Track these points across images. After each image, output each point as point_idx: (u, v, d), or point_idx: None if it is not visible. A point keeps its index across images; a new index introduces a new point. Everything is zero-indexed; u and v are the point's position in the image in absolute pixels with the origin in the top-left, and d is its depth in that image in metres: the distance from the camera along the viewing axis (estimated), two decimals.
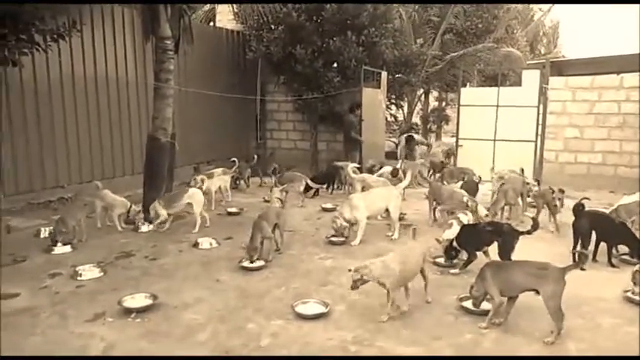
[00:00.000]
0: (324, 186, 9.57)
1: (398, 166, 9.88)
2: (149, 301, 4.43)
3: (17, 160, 7.93)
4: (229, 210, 8.17)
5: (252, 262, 5.41)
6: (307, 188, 8.91)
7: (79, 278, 5.10)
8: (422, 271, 4.47)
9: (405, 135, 12.78)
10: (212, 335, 3.93)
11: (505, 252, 4.95)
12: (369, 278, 4.06)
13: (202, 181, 7.77)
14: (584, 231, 5.47)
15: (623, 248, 5.59)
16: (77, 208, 6.86)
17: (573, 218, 5.73)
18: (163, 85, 7.59)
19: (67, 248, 6.05)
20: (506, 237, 5.03)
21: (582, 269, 4.82)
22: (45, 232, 6.66)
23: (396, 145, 13.34)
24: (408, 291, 4.36)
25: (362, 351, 3.70)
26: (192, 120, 10.87)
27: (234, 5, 11.03)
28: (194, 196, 7.04)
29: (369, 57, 11.06)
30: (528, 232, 5.04)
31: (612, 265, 5.42)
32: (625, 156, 10.06)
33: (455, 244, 5.28)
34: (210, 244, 6.32)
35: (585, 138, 10.35)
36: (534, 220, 5.28)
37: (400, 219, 7.14)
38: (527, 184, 7.82)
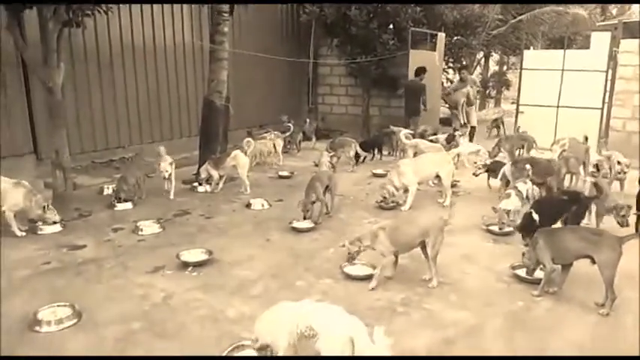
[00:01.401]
0: (371, 154, 9.48)
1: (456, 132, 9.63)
2: (205, 256, 4.63)
3: (81, 121, 8.32)
4: (280, 173, 8.30)
5: (305, 218, 5.57)
6: (357, 156, 8.87)
7: (139, 233, 5.40)
8: (424, 246, 4.16)
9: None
10: (264, 290, 4.08)
11: (577, 220, 4.78)
12: (363, 247, 4.11)
13: (248, 143, 7.89)
14: None
15: None
16: (138, 167, 7.19)
17: (639, 189, 5.43)
18: (218, 48, 7.67)
19: (129, 205, 6.38)
20: (582, 204, 4.86)
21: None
22: (108, 190, 7.04)
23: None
24: (396, 261, 4.27)
25: (410, 312, 3.73)
26: (246, 84, 10.97)
27: None
28: (237, 158, 7.18)
29: (427, 18, 10.67)
30: (596, 197, 4.90)
31: None
32: None
33: (535, 216, 4.74)
34: (262, 205, 6.48)
35: None
36: (597, 185, 5.15)
37: (453, 186, 7.01)
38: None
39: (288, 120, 10.17)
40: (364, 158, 9.20)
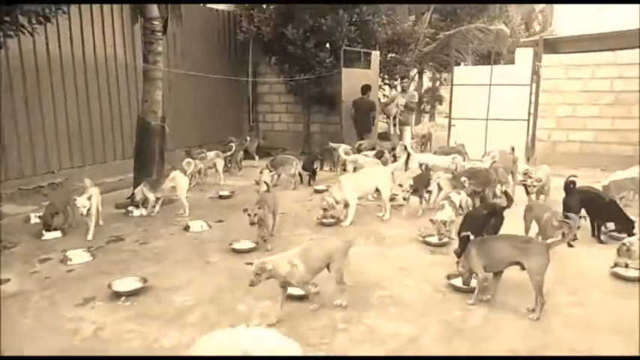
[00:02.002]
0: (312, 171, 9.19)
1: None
2: (139, 285, 4.43)
3: (7, 146, 7.84)
4: (221, 193, 8.16)
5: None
6: (313, 173, 8.90)
7: (68, 263, 5.10)
8: (330, 267, 4.00)
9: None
10: (202, 316, 3.95)
11: (496, 230, 4.97)
12: (273, 275, 3.73)
13: (188, 164, 7.73)
14: (574, 208, 5.48)
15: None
16: (67, 193, 6.82)
17: (564, 195, 5.76)
18: (152, 67, 7.50)
19: (58, 234, 6.04)
20: (499, 216, 5.05)
21: (570, 245, 4.87)
22: (35, 218, 6.64)
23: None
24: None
25: (350, 328, 3.73)
26: (183, 103, 10.78)
27: None
28: (176, 179, 7.00)
29: (362, 36, 10.95)
30: (507, 207, 5.09)
31: (601, 242, 5.45)
32: (617, 133, 10.06)
33: (468, 234, 4.67)
34: (202, 227, 6.32)
35: (578, 116, 10.34)
36: (507, 194, 5.41)
37: (391, 199, 7.15)
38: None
39: (232, 141, 10.11)
40: (314, 175, 8.99)
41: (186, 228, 6.30)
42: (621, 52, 10.20)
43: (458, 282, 4.29)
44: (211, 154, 9.09)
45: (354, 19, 10.71)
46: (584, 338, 3.55)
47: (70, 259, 5.15)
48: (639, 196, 6.66)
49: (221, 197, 8.06)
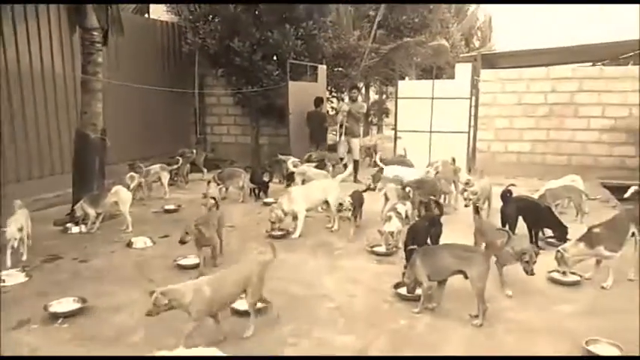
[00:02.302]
0: (265, 183, 9.04)
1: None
2: (77, 305, 4.23)
3: None
4: (166, 207, 7.95)
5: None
6: (266, 186, 8.79)
7: (2, 284, 4.80)
8: (247, 291, 3.79)
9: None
10: (144, 337, 3.81)
11: (437, 240, 5.11)
12: (174, 305, 3.43)
13: (131, 178, 7.49)
14: (511, 216, 5.73)
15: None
16: None
17: (502, 204, 6.01)
18: (91, 79, 7.25)
19: None
20: (438, 226, 5.21)
21: (532, 273, 5.06)
22: None
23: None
24: (217, 319, 3.76)
25: (299, 342, 3.71)
26: (127, 115, 10.46)
27: None
28: (119, 194, 6.78)
29: (308, 50, 11.07)
30: (440, 215, 5.33)
31: (538, 247, 5.70)
32: (552, 144, 10.64)
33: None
34: (145, 243, 6.13)
35: (515, 128, 10.85)
36: (437, 203, 5.65)
37: (339, 210, 7.21)
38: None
39: (183, 153, 9.92)
40: (266, 189, 8.78)
41: (129, 244, 6.08)
42: (554, 67, 10.84)
43: (404, 291, 4.37)
44: (156, 167, 8.85)
45: (300, 34, 10.80)
46: (524, 342, 3.70)
47: (4, 280, 4.85)
48: (574, 203, 7.02)
49: (167, 211, 7.85)
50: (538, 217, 5.78)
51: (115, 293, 4.63)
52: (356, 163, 10.17)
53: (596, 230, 4.69)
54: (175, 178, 9.84)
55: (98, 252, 5.88)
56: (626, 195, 5.43)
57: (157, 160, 9.40)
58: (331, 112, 14.18)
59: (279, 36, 10.51)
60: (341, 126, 10.16)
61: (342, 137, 10.20)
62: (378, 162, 8.57)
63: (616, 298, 4.43)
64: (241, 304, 4.20)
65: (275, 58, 11.08)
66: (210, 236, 5.26)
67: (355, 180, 8.98)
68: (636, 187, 5.25)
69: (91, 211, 6.62)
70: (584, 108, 10.33)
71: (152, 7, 13.34)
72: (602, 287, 4.62)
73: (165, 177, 8.84)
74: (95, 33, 7.18)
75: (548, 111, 10.58)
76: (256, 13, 10.76)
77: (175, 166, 9.28)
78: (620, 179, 9.46)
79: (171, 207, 7.98)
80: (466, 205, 6.50)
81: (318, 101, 10.80)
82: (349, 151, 10.50)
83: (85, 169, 7.25)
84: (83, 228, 6.66)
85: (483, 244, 4.85)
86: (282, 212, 6.36)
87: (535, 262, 4.29)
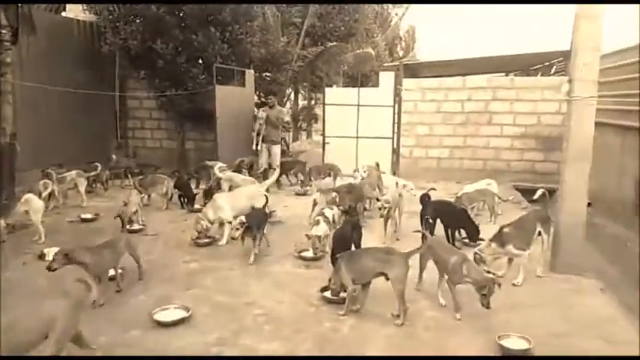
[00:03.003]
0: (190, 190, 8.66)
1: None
2: None
3: None
4: (83, 216, 7.53)
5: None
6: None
7: None
8: (49, 336, 3.01)
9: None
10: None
11: (359, 243, 5.25)
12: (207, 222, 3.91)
13: (45, 185, 7.05)
14: (430, 218, 6.01)
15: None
16: None
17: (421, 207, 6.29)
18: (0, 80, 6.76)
19: None
20: (359, 230, 5.38)
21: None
22: None
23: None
24: None
25: (224, 351, 3.67)
26: (41, 119, 9.81)
27: None
28: (30, 202, 6.35)
29: (235, 55, 10.95)
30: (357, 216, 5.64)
31: (456, 247, 6.02)
32: (468, 150, 11.26)
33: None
34: None
35: (434, 134, 11.36)
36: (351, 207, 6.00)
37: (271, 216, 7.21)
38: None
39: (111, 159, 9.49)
40: (193, 199, 8.34)
41: (42, 256, 5.68)
42: (470, 77, 11.50)
43: (329, 294, 4.44)
44: (72, 173, 8.36)
45: (226, 38, 10.67)
46: (441, 338, 3.88)
47: None
48: (487, 205, 7.47)
49: (84, 220, 7.44)
50: (453, 219, 6.12)
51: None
52: (268, 171, 9.51)
53: (506, 230, 5.03)
54: (94, 185, 9.37)
55: (6, 264, 5.46)
56: (535, 197, 5.84)
57: (74, 167, 8.87)
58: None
59: (204, 39, 10.30)
60: (258, 134, 9.75)
61: (262, 145, 9.79)
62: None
63: (526, 294, 4.76)
64: (164, 315, 4.10)
65: (201, 61, 10.84)
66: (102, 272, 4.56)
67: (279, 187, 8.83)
68: (543, 190, 5.67)
69: (0, 221, 6.15)
70: (498, 116, 11.02)
71: (68, 5, 12.62)
72: (514, 284, 4.94)
73: (82, 184, 8.37)
74: (3, 31, 6.72)
75: (465, 119, 11.18)
76: (180, 15, 10.49)
77: (93, 173, 8.82)
78: (530, 182, 10.23)
79: (89, 216, 7.57)
80: (381, 216, 6.41)
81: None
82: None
83: None
84: None
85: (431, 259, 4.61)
86: (207, 222, 6.24)
87: (492, 293, 3.99)
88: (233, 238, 5.79)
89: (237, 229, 5.67)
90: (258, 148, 9.83)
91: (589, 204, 5.79)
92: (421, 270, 4.69)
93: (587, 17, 5.02)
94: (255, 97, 12.61)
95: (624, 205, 9.09)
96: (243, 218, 5.70)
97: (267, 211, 6.46)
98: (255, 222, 5.72)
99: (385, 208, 6.25)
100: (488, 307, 3.99)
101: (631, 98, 8.92)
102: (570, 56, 5.36)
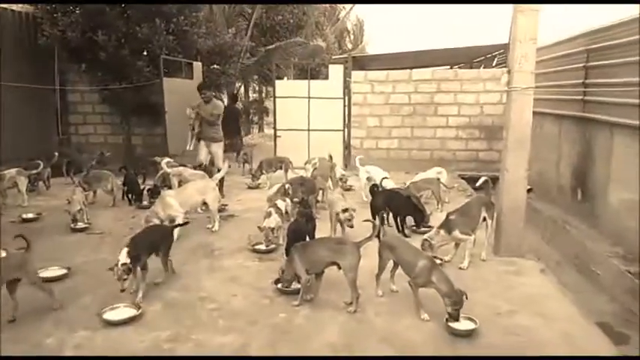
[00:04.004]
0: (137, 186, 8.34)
1: None
2: None
3: None
4: (24, 216, 7.20)
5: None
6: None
7: None
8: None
9: None
10: None
11: (313, 234, 5.31)
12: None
13: None
14: (379, 207, 6.16)
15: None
16: None
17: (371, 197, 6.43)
18: None
19: None
20: (312, 220, 5.46)
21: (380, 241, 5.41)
22: None
23: None
24: None
25: (177, 348, 3.63)
26: None
27: None
28: None
29: (182, 47, 10.71)
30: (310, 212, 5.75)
31: (405, 235, 6.17)
32: (416, 140, 11.54)
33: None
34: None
35: (384, 126, 11.58)
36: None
37: (221, 210, 7.14)
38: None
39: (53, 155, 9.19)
40: (140, 195, 8.10)
41: None
42: (416, 70, 11.77)
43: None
44: (12, 171, 7.96)
45: (171, 29, 10.40)
46: (391, 323, 4.00)
47: None
48: (434, 193, 7.70)
49: (25, 220, 7.11)
50: (400, 206, 6.31)
51: None
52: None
53: (452, 217, 5.22)
54: (36, 183, 8.95)
55: None
56: (478, 184, 6.08)
57: (14, 165, 8.43)
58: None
59: (148, 30, 10.01)
60: (193, 129, 8.81)
61: (200, 142, 8.75)
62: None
63: (471, 277, 4.96)
64: (113, 314, 4.01)
65: (145, 53, 10.53)
66: None
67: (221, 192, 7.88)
68: (486, 177, 5.91)
69: None
70: (443, 107, 11.35)
71: None
72: (460, 268, 5.16)
73: (23, 182, 7.98)
74: None
75: (412, 110, 11.45)
76: (122, 6, 10.14)
77: (35, 171, 8.43)
78: (474, 171, 10.63)
79: (31, 215, 7.25)
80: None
81: (233, 97, 11.25)
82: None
83: None
84: None
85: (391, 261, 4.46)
86: (158, 220, 6.09)
87: (461, 307, 3.83)
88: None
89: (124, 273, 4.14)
90: (190, 147, 8.92)
91: (530, 189, 6.11)
92: (380, 269, 4.48)
93: (524, 10, 5.26)
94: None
95: (562, 189, 9.62)
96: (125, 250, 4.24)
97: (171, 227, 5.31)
98: (161, 244, 4.69)
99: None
100: (456, 320, 3.84)
101: (565, 89, 9.43)
102: (509, 49, 5.61)
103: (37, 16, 10.82)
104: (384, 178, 7.65)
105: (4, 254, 5.43)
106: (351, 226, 5.73)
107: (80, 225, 6.70)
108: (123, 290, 4.09)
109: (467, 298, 3.89)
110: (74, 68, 11.42)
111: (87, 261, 5.45)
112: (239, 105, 11.92)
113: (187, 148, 8.95)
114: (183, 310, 4.22)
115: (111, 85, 10.63)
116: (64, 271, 5.03)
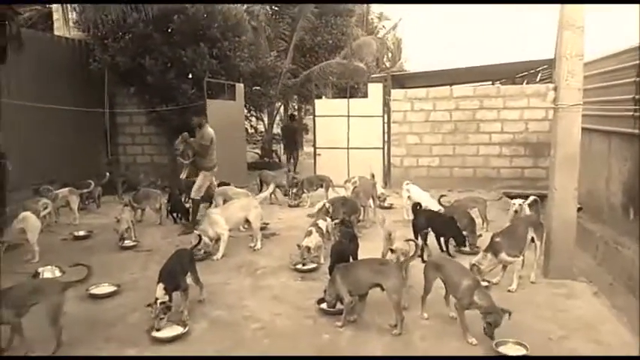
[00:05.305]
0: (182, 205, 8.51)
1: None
2: None
3: None
4: (76, 234, 7.50)
5: None
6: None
7: None
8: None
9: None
10: None
11: (356, 255, 5.27)
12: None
13: (44, 204, 7.02)
14: (421, 227, 6.06)
15: None
16: None
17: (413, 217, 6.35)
18: None
19: None
20: (355, 240, 5.44)
21: (423, 260, 5.34)
22: None
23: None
24: None
25: None
26: (30, 137, 9.76)
27: (75, 12, 10.19)
28: (26, 221, 6.30)
29: (225, 69, 11.02)
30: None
31: (449, 255, 6.05)
32: (458, 158, 11.37)
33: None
34: (53, 273, 5.73)
35: (424, 143, 11.46)
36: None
37: (262, 228, 7.23)
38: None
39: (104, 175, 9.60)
40: (187, 213, 8.10)
41: (35, 275, 5.66)
42: (457, 86, 11.64)
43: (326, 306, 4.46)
44: (64, 190, 8.33)
45: (215, 53, 10.73)
46: (438, 347, 3.91)
47: None
48: (479, 212, 7.51)
49: (77, 238, 7.40)
50: (444, 227, 6.18)
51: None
52: (195, 203, 7.93)
53: (497, 239, 5.05)
54: (87, 202, 9.33)
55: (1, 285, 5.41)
56: (527, 202, 5.91)
57: (66, 184, 8.82)
58: (250, 131, 14.19)
59: (193, 54, 10.37)
60: (184, 158, 8.61)
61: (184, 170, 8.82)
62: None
63: (520, 299, 4.79)
64: (162, 332, 4.10)
65: (190, 76, 10.89)
66: None
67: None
68: (535, 197, 5.73)
69: None
70: (485, 124, 11.16)
71: (56, 24, 12.62)
72: (509, 290, 5.00)
73: (75, 201, 8.34)
74: None
75: (454, 127, 11.30)
76: (168, 31, 10.55)
77: (86, 190, 8.80)
78: (520, 189, 10.35)
79: (82, 233, 7.54)
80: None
81: (292, 117, 12.43)
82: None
83: None
84: None
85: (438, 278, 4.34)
86: (208, 238, 6.22)
87: (498, 325, 3.80)
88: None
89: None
90: (183, 177, 8.83)
91: (580, 208, 5.89)
92: (425, 291, 4.37)
93: (570, 27, 5.15)
94: (245, 111, 12.69)
95: (613, 208, 9.22)
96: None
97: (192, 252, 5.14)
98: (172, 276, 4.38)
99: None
100: (492, 338, 3.80)
101: (614, 104, 9.11)
102: (554, 64, 5.49)
103: (88, 43, 11.40)
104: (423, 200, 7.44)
105: (58, 273, 5.73)
106: None
107: (128, 243, 6.92)
108: (158, 329, 4.05)
109: (510, 317, 3.78)
110: (123, 91, 11.92)
111: (136, 278, 5.61)
112: (295, 124, 13.59)
113: (181, 177, 8.88)
114: (229, 329, 4.27)
115: (157, 107, 11.01)
116: (114, 288, 5.18)
